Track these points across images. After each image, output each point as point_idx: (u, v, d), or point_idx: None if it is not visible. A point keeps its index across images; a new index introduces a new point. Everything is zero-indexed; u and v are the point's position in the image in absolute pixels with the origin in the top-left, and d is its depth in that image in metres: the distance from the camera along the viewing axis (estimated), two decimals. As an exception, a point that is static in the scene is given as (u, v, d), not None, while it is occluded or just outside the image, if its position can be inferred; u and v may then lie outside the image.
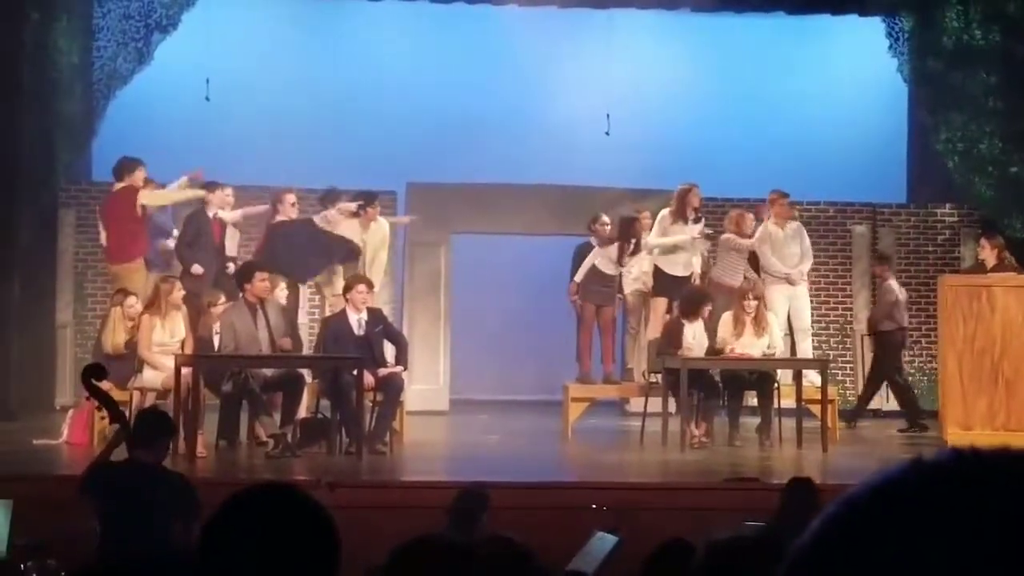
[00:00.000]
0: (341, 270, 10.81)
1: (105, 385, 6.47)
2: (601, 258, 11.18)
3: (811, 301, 11.60)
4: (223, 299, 9.59)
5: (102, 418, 8.75)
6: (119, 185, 10.69)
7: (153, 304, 9.51)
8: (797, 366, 10.36)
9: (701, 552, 3.35)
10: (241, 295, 9.42)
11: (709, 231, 11.23)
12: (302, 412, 9.30)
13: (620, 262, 11.20)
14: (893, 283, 11.62)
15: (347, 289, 9.70)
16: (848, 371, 13.12)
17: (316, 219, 11.02)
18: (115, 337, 9.66)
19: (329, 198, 11.25)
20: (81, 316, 12.47)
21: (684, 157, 12.98)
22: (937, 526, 0.82)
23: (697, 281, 11.06)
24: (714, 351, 10.16)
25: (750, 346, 10.12)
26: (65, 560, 5.50)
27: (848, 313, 13.34)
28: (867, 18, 13.66)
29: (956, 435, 9.35)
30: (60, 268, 12.46)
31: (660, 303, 11.03)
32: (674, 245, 10.97)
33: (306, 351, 10.23)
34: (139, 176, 10.67)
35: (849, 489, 0.88)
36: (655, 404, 10.09)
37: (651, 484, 7.98)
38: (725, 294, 10.81)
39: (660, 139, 13.90)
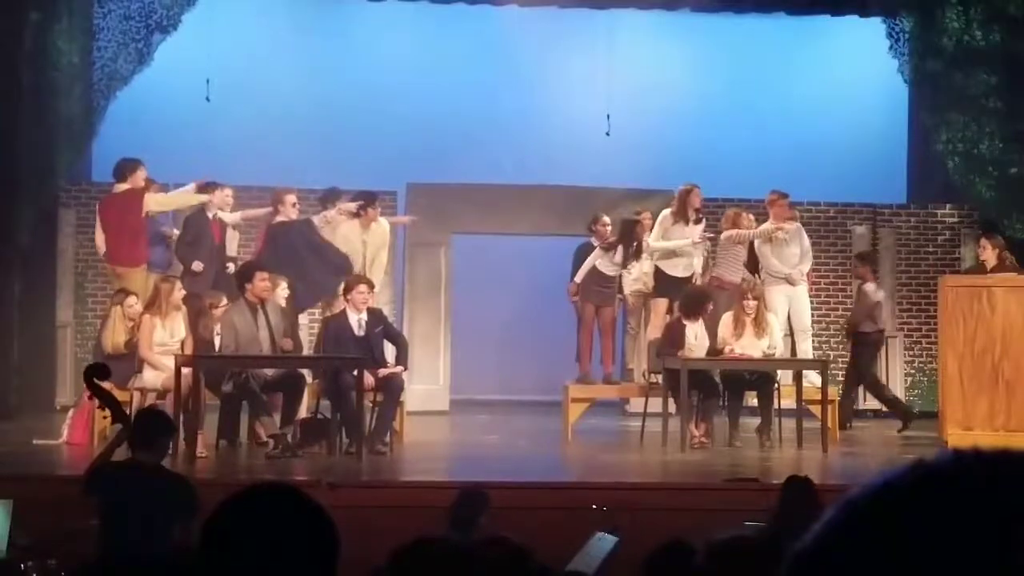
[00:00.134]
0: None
1: (106, 385, 6.47)
2: (601, 259, 11.18)
3: (811, 301, 11.60)
4: (224, 301, 9.59)
5: (104, 417, 8.74)
6: (121, 187, 10.68)
7: (153, 304, 9.51)
8: (797, 366, 10.36)
9: (701, 552, 3.35)
10: (242, 295, 9.42)
11: (710, 235, 11.23)
12: (302, 412, 9.30)
13: (624, 264, 11.20)
14: (871, 285, 11.67)
15: (347, 289, 9.70)
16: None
17: (316, 219, 11.01)
18: (115, 337, 9.66)
19: (330, 198, 11.25)
20: (81, 316, 12.47)
21: (684, 157, 12.99)
22: (938, 528, 0.82)
23: (698, 281, 11.07)
24: (714, 351, 10.16)
25: (750, 346, 10.12)
26: (65, 560, 5.50)
27: (848, 313, 13.33)
28: (867, 18, 13.66)
29: (956, 436, 9.35)
30: (60, 268, 12.47)
31: (661, 304, 11.03)
32: (674, 250, 10.99)
33: (306, 351, 10.22)
34: (140, 177, 10.65)
35: (850, 491, 0.88)
36: (655, 404, 10.10)
37: (651, 484, 7.98)
38: (727, 290, 10.81)
39: (660, 139, 13.91)
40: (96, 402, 7.67)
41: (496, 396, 13.50)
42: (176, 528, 5.26)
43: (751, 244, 11.08)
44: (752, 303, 10.16)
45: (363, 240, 11.05)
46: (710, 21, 14.12)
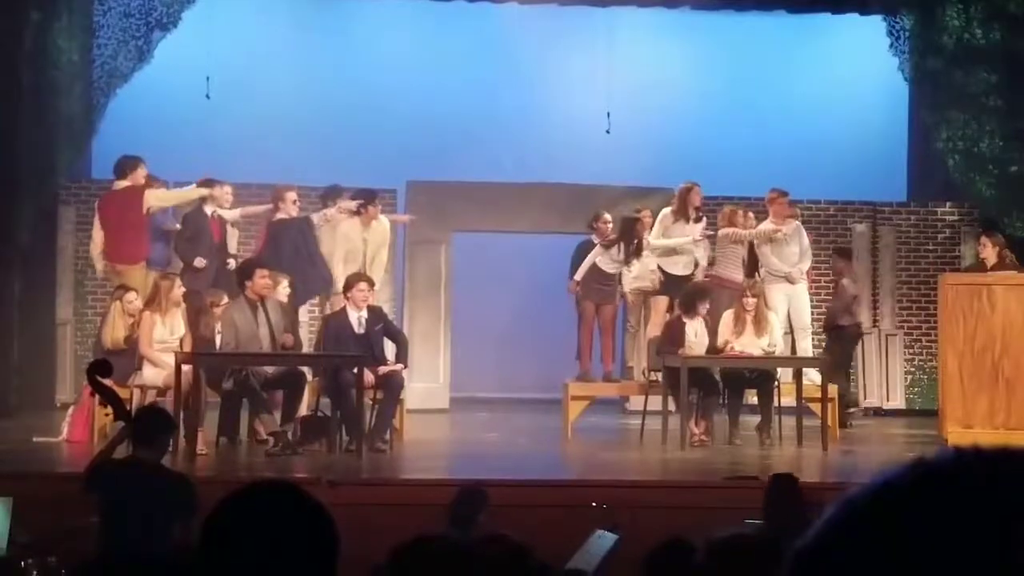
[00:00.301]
0: (342, 267, 10.80)
1: (107, 382, 6.47)
2: (602, 256, 11.17)
3: (811, 300, 11.60)
4: (225, 299, 9.59)
5: (106, 415, 8.75)
6: (121, 184, 10.68)
7: (153, 301, 9.51)
8: (797, 364, 10.36)
9: (701, 551, 3.35)
10: (242, 293, 9.41)
11: (711, 232, 11.24)
12: (302, 410, 9.30)
13: (625, 262, 11.19)
14: (847, 280, 11.73)
15: (348, 287, 9.70)
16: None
17: (315, 217, 11.01)
18: (115, 332, 9.65)
19: (331, 195, 11.25)
20: (81, 314, 12.47)
21: (685, 155, 12.99)
22: (939, 527, 0.82)
23: (699, 277, 11.07)
24: (714, 349, 10.16)
25: (750, 344, 10.13)
26: (65, 557, 5.50)
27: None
28: (868, 16, 13.65)
29: (956, 434, 9.35)
30: (60, 266, 12.47)
31: (662, 302, 11.03)
32: (675, 247, 11.00)
33: (306, 349, 10.22)
34: (140, 175, 10.65)
35: (850, 489, 0.88)
36: (655, 402, 10.10)
37: (651, 482, 7.98)
38: (727, 289, 10.81)
39: (661, 137, 13.90)
40: (97, 399, 7.70)
41: (496, 394, 13.50)
42: (176, 526, 5.26)
43: (751, 243, 11.09)
44: (752, 300, 10.17)
45: (363, 238, 11.05)
46: (710, 19, 14.11)
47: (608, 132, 13.28)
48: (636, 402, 11.25)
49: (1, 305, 11.26)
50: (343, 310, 9.69)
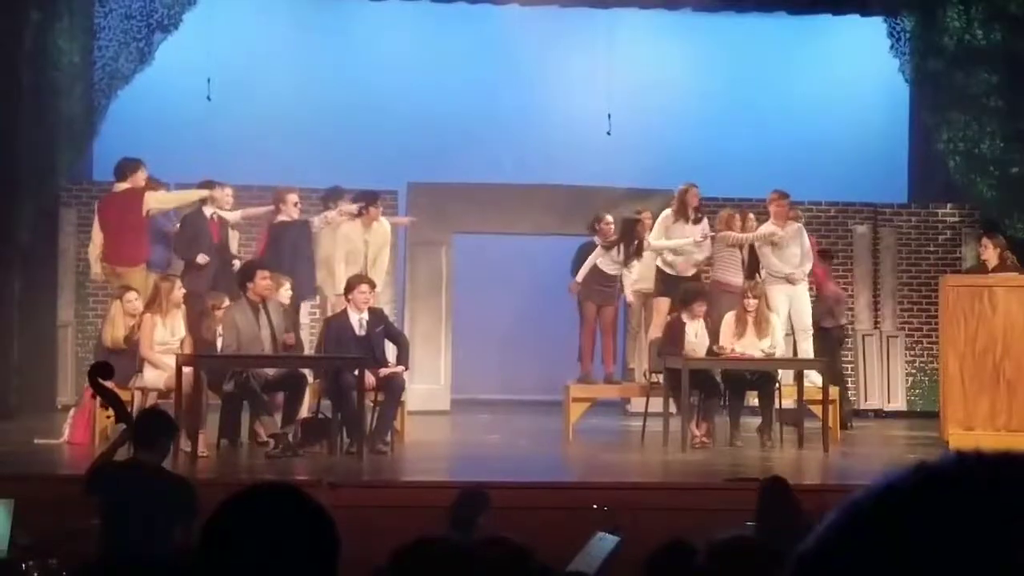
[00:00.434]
0: (343, 269, 10.80)
1: (108, 384, 6.46)
2: (602, 258, 11.17)
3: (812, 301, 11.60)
4: (226, 301, 9.59)
5: (107, 417, 8.76)
6: (121, 186, 10.67)
7: (153, 303, 9.51)
8: (798, 366, 10.35)
9: (702, 552, 3.35)
10: (243, 295, 9.41)
11: (712, 234, 11.24)
12: (303, 412, 9.30)
13: (626, 263, 11.19)
14: (830, 283, 11.80)
15: (349, 289, 9.70)
16: (849, 371, 13.11)
17: (316, 220, 11.02)
18: (115, 331, 9.65)
19: (332, 197, 11.25)
20: (82, 315, 12.47)
21: (685, 157, 12.99)
22: (941, 530, 0.82)
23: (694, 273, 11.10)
24: (715, 351, 10.16)
25: (751, 346, 10.13)
26: (66, 560, 5.50)
27: (849, 313, 13.33)
28: (868, 18, 13.66)
29: (957, 436, 9.35)
30: (61, 267, 12.48)
31: (663, 303, 11.03)
32: (675, 249, 11.00)
33: (307, 351, 10.22)
34: (141, 177, 10.65)
35: (853, 492, 0.88)
36: (656, 404, 10.10)
37: (652, 484, 7.97)
38: (727, 292, 10.80)
39: (661, 139, 13.91)
40: (98, 401, 7.69)
41: (497, 396, 13.50)
42: (177, 528, 5.26)
43: (751, 245, 11.08)
44: (753, 302, 10.17)
45: (364, 240, 11.05)
46: (711, 20, 14.12)
47: (609, 133, 13.28)
48: (637, 404, 11.26)
49: (2, 306, 11.27)
50: (344, 312, 9.69)
